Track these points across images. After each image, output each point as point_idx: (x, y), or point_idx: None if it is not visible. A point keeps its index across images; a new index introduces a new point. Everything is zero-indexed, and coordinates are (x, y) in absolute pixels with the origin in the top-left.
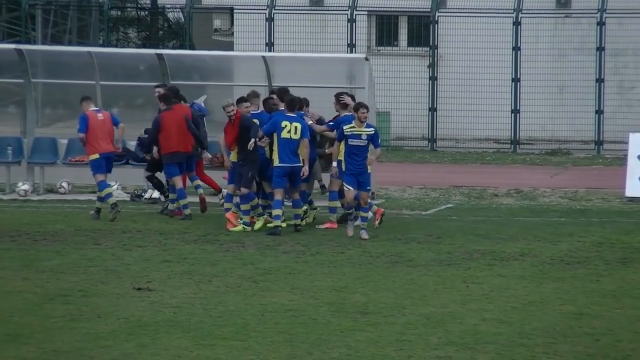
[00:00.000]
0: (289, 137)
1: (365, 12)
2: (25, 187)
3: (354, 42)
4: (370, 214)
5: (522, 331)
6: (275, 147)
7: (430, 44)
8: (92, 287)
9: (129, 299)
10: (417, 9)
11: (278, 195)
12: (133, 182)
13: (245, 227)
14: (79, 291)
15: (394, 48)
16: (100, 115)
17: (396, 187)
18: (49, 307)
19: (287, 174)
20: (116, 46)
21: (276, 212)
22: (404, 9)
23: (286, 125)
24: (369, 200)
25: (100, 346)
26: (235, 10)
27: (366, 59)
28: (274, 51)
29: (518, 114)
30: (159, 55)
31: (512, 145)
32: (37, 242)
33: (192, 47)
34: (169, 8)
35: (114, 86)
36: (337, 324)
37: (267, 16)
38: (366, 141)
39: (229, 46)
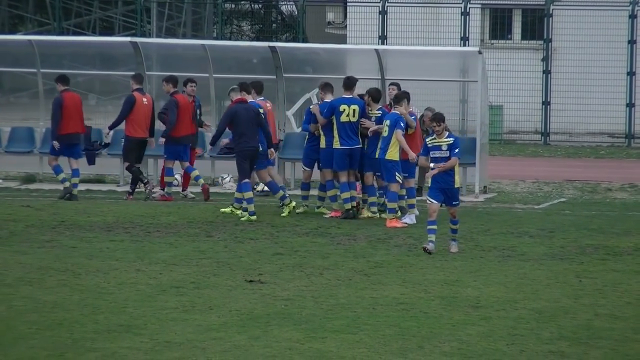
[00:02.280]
0: (348, 120)
1: (479, 5)
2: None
3: (467, 36)
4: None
5: (637, 327)
6: (334, 131)
7: (544, 37)
8: (204, 279)
9: (240, 291)
10: (531, 2)
11: (343, 177)
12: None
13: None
14: (191, 283)
15: (507, 41)
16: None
17: (509, 181)
18: (161, 299)
19: (348, 155)
20: (230, 39)
21: (345, 194)
22: (518, 2)
23: (344, 110)
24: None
25: (212, 338)
26: (348, 3)
27: (479, 52)
28: (386, 44)
29: (633, 108)
30: (272, 48)
31: (627, 139)
32: (150, 234)
33: (305, 40)
34: (282, 1)
35: (227, 79)
36: (449, 317)
37: (380, 9)
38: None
39: (342, 39)
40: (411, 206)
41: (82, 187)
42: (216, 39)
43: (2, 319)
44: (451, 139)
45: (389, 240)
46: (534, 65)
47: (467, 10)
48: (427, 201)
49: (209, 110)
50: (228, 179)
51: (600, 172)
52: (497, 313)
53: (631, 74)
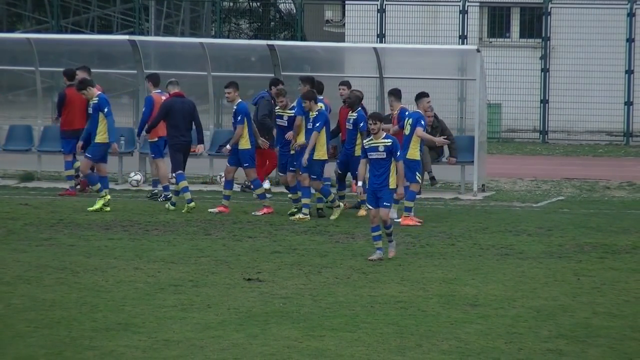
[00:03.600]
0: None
1: (477, 4)
2: (138, 177)
3: (465, 34)
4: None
5: (635, 325)
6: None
7: (543, 35)
8: (202, 278)
9: (239, 289)
10: (529, 1)
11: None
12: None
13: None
14: (189, 281)
15: (505, 40)
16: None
17: (507, 179)
18: (160, 297)
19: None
20: (228, 37)
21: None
22: (517, 0)
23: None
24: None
25: (211, 336)
26: (346, 2)
27: (478, 50)
28: (385, 42)
29: (631, 106)
30: (271, 47)
31: (625, 138)
32: (149, 233)
33: (303, 39)
34: None
35: (226, 77)
36: (447, 316)
37: (378, 7)
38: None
39: (340, 37)
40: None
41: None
42: (214, 37)
43: (0, 317)
44: (389, 140)
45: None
46: (533, 64)
47: (466, 9)
48: (366, 208)
49: (207, 108)
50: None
51: (598, 170)
52: (496, 311)
53: (629, 72)
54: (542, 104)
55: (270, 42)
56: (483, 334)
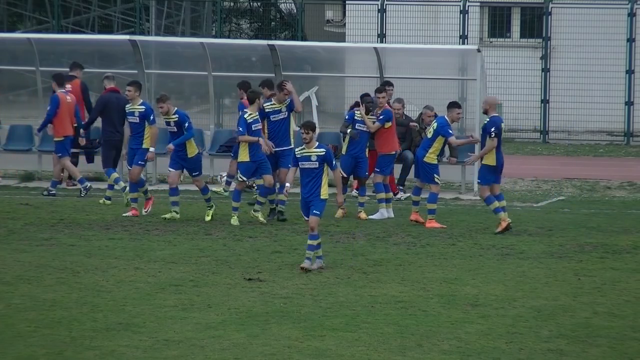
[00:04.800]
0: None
1: (478, 4)
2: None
3: (466, 34)
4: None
5: (635, 325)
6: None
7: (543, 35)
8: (203, 277)
9: (239, 289)
10: (530, 0)
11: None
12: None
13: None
14: (190, 281)
15: (506, 40)
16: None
17: (508, 179)
18: (160, 297)
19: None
20: (228, 37)
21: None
22: (517, 0)
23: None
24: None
25: (211, 336)
26: (347, 2)
27: (478, 50)
28: (385, 42)
29: (632, 106)
30: (271, 47)
31: (626, 138)
32: (149, 232)
33: (304, 38)
34: None
35: (226, 77)
36: (448, 315)
37: (379, 7)
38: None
39: (341, 37)
40: (381, 201)
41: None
42: (215, 37)
43: (1, 317)
44: (322, 149)
45: (387, 239)
46: (533, 64)
47: (466, 9)
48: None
49: (207, 108)
50: (225, 177)
51: (599, 170)
52: (496, 311)
53: (630, 72)
54: (542, 104)
55: (270, 42)
56: (484, 334)
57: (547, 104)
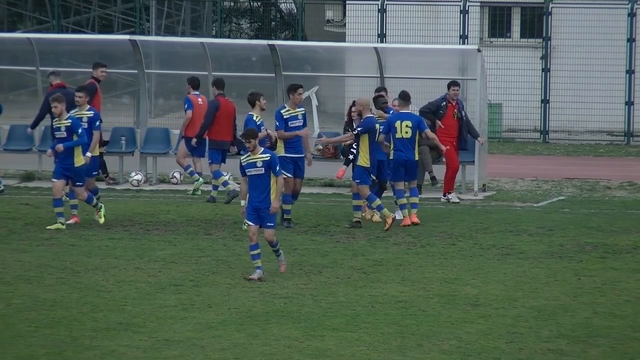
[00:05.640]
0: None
1: (478, 3)
2: (138, 177)
3: (466, 34)
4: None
5: (636, 325)
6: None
7: (544, 35)
8: (203, 277)
9: (239, 289)
10: (530, 0)
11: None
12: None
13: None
14: (190, 281)
15: (506, 39)
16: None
17: (508, 179)
18: (160, 297)
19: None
20: (229, 37)
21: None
22: (517, 0)
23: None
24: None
25: (211, 336)
26: (347, 1)
27: (478, 50)
28: (385, 42)
29: (632, 106)
30: (271, 46)
31: (626, 138)
32: (150, 232)
33: (304, 38)
34: None
35: (226, 77)
36: (448, 315)
37: (379, 7)
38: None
39: (341, 37)
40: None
41: None
42: (215, 37)
43: (1, 317)
44: (267, 155)
45: (387, 239)
46: (533, 64)
47: (466, 9)
48: (245, 224)
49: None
50: (227, 176)
51: (599, 170)
52: (496, 311)
53: (630, 72)
54: (542, 104)
55: (271, 42)
56: (484, 333)
57: (547, 104)
